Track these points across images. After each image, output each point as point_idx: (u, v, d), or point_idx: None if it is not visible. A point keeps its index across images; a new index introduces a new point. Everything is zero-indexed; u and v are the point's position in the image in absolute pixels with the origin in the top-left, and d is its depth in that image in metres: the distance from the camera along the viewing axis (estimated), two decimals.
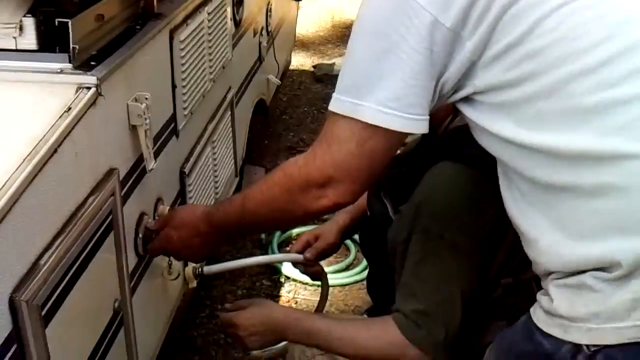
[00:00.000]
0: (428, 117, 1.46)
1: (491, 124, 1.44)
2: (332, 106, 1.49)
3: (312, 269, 2.28)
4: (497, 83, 1.40)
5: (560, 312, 1.40)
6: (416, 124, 1.44)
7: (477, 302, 1.81)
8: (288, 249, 3.68)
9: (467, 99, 1.47)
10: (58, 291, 1.55)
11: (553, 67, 1.33)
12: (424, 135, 1.51)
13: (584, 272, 1.36)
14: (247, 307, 2.01)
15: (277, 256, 2.30)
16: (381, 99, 1.42)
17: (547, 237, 1.41)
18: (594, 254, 1.34)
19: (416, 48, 1.38)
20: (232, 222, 1.80)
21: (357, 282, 3.47)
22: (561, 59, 1.33)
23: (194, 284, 2.25)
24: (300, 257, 2.24)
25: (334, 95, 1.49)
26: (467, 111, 1.49)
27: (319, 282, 2.43)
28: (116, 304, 1.90)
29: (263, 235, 3.75)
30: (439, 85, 1.44)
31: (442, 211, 1.75)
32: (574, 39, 1.32)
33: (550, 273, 1.44)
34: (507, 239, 1.75)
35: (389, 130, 1.44)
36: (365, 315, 2.44)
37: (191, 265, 2.20)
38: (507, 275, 1.80)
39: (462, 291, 1.75)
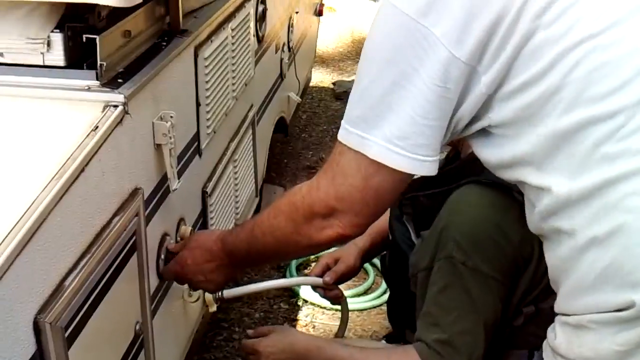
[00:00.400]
0: (438, 158, 1.44)
1: (503, 154, 1.43)
2: (340, 136, 1.47)
3: (332, 292, 2.29)
4: (514, 118, 1.38)
5: (560, 351, 1.40)
6: (424, 166, 1.41)
7: (499, 330, 1.81)
8: (307, 272, 3.68)
9: (481, 132, 1.45)
10: (81, 313, 1.57)
11: (569, 110, 1.32)
12: (448, 157, 1.51)
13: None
14: (269, 334, 2.01)
15: (297, 279, 2.31)
16: (388, 135, 1.39)
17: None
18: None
19: (428, 84, 1.35)
20: (242, 248, 1.81)
21: (375, 307, 3.46)
22: (577, 102, 1.31)
23: (214, 308, 2.27)
24: (319, 280, 2.25)
25: (343, 123, 1.47)
26: (479, 144, 1.47)
27: (337, 307, 2.43)
28: (137, 326, 1.91)
29: None
30: (453, 123, 1.41)
31: (466, 238, 1.77)
32: (591, 83, 1.31)
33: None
34: (530, 267, 1.76)
35: (396, 170, 1.42)
36: (383, 341, 2.45)
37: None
38: (529, 303, 1.81)
39: (485, 320, 1.77)
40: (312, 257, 3.77)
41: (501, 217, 1.77)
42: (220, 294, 2.23)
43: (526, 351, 1.85)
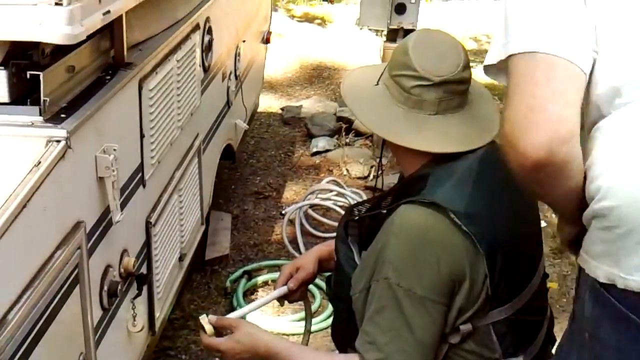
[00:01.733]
0: None
1: None
2: None
3: (296, 294, 2.33)
4: None
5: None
6: None
7: (436, 349, 1.87)
8: (253, 297, 3.72)
9: None
10: (25, 346, 1.60)
11: None
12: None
13: None
14: (233, 331, 2.05)
15: (266, 298, 2.36)
16: None
17: None
18: None
19: None
20: None
21: (321, 329, 3.50)
22: None
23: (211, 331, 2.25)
24: (285, 289, 2.31)
25: None
26: None
27: (287, 331, 2.47)
28: (81, 358, 1.94)
29: (228, 284, 3.79)
30: None
31: (400, 259, 1.81)
32: None
33: None
34: (464, 286, 1.81)
35: None
36: None
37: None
38: (466, 321, 1.85)
39: (421, 340, 1.81)
40: (260, 281, 3.82)
41: (435, 237, 1.81)
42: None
43: None
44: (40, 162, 1.70)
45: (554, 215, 4.62)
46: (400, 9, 5.02)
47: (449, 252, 1.80)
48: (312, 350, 2.01)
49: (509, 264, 1.85)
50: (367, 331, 1.86)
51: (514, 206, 1.93)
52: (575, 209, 1.58)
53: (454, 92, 1.90)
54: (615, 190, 1.45)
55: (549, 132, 1.44)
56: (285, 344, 2.05)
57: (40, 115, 1.82)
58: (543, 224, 4.49)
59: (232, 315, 2.22)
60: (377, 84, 1.98)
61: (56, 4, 1.73)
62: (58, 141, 1.78)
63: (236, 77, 4.04)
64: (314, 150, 5.48)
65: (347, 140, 5.57)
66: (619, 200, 1.44)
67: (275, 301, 2.36)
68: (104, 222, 2.08)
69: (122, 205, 2.18)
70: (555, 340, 2.15)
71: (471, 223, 1.79)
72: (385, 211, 1.99)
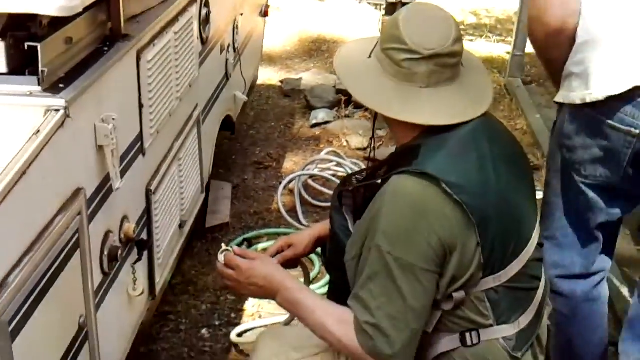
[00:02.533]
0: None
1: None
2: None
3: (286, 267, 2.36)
4: None
5: None
6: None
7: (429, 315, 1.90)
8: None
9: None
10: (25, 308, 1.63)
11: None
12: None
13: None
14: (254, 259, 2.11)
15: None
16: None
17: None
18: None
19: None
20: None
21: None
22: None
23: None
24: None
25: None
26: None
27: None
28: (81, 320, 1.97)
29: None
30: None
31: (392, 228, 1.84)
32: None
33: None
34: (454, 255, 1.83)
35: None
36: None
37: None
38: (459, 289, 1.88)
39: (411, 306, 1.84)
40: (260, 249, 3.85)
41: (427, 207, 1.83)
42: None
43: (457, 334, 1.93)
44: (39, 131, 1.72)
45: None
46: None
47: (440, 222, 1.81)
48: (318, 296, 2.04)
49: (501, 233, 1.87)
50: (359, 296, 1.88)
51: (507, 176, 1.94)
52: None
53: (445, 65, 1.91)
54: (583, 12, 2.23)
55: (562, 8, 2.26)
56: (298, 284, 2.08)
57: (39, 85, 1.83)
58: (541, 194, 4.53)
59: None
60: (370, 57, 1.99)
61: None
62: (57, 110, 1.79)
63: (234, 50, 4.04)
64: (314, 122, 5.48)
65: (347, 112, 5.57)
66: (584, 15, 2.23)
67: None
68: (104, 189, 2.10)
69: (122, 173, 2.20)
70: (549, 307, 2.18)
71: (462, 192, 1.81)
72: (379, 181, 2.01)
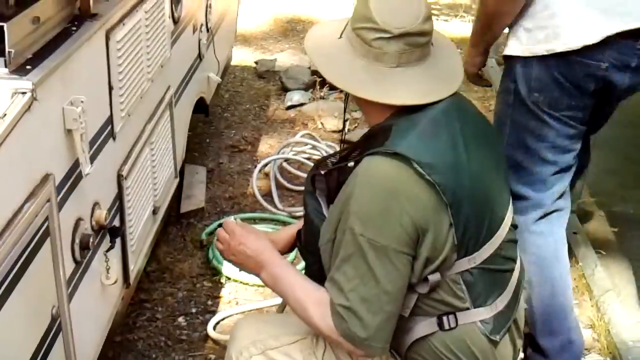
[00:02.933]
0: None
1: None
2: None
3: None
4: None
5: None
6: None
7: (404, 298, 1.88)
8: None
9: None
10: None
11: None
12: None
13: None
14: (253, 232, 2.13)
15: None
16: None
17: None
18: None
19: None
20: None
21: None
22: None
23: None
24: None
25: None
26: None
27: (259, 283, 2.49)
28: (54, 311, 1.92)
29: (203, 236, 3.77)
30: None
31: (364, 209, 1.82)
32: None
33: None
34: (427, 236, 1.82)
35: None
36: None
37: None
38: (434, 271, 1.86)
39: (384, 289, 1.82)
40: None
41: (398, 187, 1.81)
42: None
43: (435, 318, 1.92)
44: (5, 115, 1.66)
45: None
46: None
47: (413, 203, 1.80)
48: (303, 276, 2.04)
49: (474, 213, 1.86)
50: (334, 279, 1.87)
51: (478, 156, 1.93)
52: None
53: (415, 44, 1.90)
54: None
55: None
56: (285, 262, 2.10)
57: (5, 67, 1.78)
58: None
59: None
60: (340, 37, 1.97)
61: None
62: (24, 93, 1.74)
63: (207, 30, 3.98)
64: (289, 104, 5.43)
65: (322, 94, 5.53)
66: None
67: None
68: (74, 175, 2.05)
69: (92, 158, 2.15)
70: (526, 290, 2.18)
71: (435, 172, 1.80)
72: (351, 164, 1.99)
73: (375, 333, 1.84)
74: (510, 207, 2.06)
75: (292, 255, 3.65)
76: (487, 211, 1.92)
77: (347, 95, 2.08)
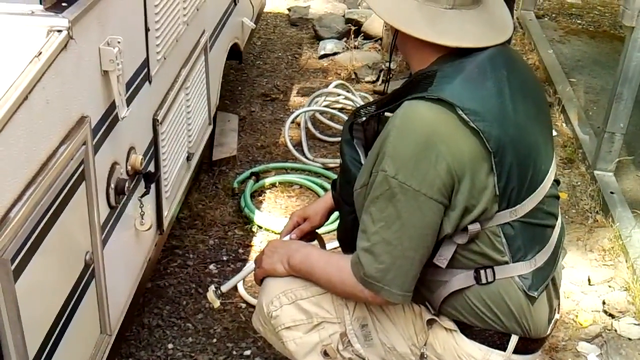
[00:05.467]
0: None
1: None
2: None
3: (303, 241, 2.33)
4: None
5: None
6: None
7: (429, 248, 1.82)
8: (261, 198, 3.67)
9: None
10: (28, 245, 1.53)
11: None
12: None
13: None
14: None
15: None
16: None
17: None
18: None
19: None
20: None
21: (329, 232, 3.45)
22: None
23: (217, 303, 2.29)
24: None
25: None
26: None
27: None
28: (87, 257, 1.87)
29: (235, 185, 3.72)
30: None
31: (399, 152, 1.76)
32: None
33: None
34: (464, 184, 1.76)
35: None
36: None
37: (210, 289, 2.27)
38: (474, 221, 1.80)
39: (409, 234, 1.78)
40: (267, 183, 3.76)
41: (438, 132, 1.76)
42: (219, 290, 2.26)
43: (472, 271, 1.86)
44: (41, 53, 1.59)
45: (565, 125, 4.54)
46: None
47: (451, 148, 1.74)
48: (326, 253, 2.07)
49: (518, 165, 1.80)
50: (362, 219, 1.84)
51: (524, 106, 1.87)
52: None
53: None
54: None
55: None
56: (310, 247, 2.12)
57: (41, 3, 1.70)
58: (554, 133, 4.45)
59: (224, 287, 2.28)
60: None
61: None
62: (59, 31, 1.66)
63: None
64: (322, 52, 5.33)
65: (356, 44, 5.42)
66: None
67: None
68: (110, 118, 1.99)
69: (128, 102, 2.08)
70: (565, 251, 2.11)
71: (480, 119, 1.74)
72: (392, 112, 1.92)
73: (394, 277, 1.80)
74: (554, 162, 1.99)
75: (332, 217, 3.61)
76: (530, 163, 1.85)
77: (394, 37, 1.99)
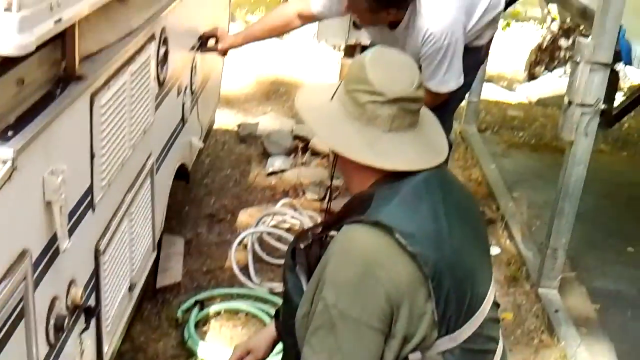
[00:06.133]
0: None
1: None
2: None
3: None
4: None
5: None
6: None
7: None
8: (205, 328, 3.65)
9: None
10: None
11: None
12: None
13: None
14: None
15: None
16: None
17: None
18: None
19: None
20: None
21: None
22: None
23: None
24: None
25: None
26: None
27: None
28: None
29: (179, 314, 3.70)
30: None
31: (339, 279, 1.82)
32: None
33: None
34: (402, 311, 1.80)
35: None
36: None
37: None
38: (414, 350, 1.84)
39: None
40: (212, 312, 3.74)
41: (376, 258, 1.82)
42: None
43: None
44: None
45: (508, 241, 4.66)
46: (358, 25, 5.02)
47: (390, 274, 1.80)
48: None
49: (455, 289, 1.86)
50: (303, 352, 1.87)
51: (460, 229, 1.95)
52: None
53: (407, 110, 1.95)
54: None
55: None
56: None
57: None
58: (497, 250, 4.58)
59: None
60: (332, 99, 2.01)
61: (5, 10, 1.65)
62: (4, 162, 1.69)
63: (192, 92, 3.96)
64: (270, 170, 5.43)
65: (304, 160, 5.54)
66: None
67: None
68: (51, 251, 2.00)
69: (70, 232, 2.10)
70: None
71: (416, 243, 1.81)
72: (333, 232, 1.98)
73: None
74: (493, 285, 2.06)
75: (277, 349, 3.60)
76: (468, 287, 1.92)
77: (334, 160, 2.08)
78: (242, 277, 4.07)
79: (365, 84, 1.93)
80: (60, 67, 2.16)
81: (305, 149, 5.65)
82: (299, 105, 2.11)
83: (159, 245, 3.58)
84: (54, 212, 1.96)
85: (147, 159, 3.05)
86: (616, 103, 4.40)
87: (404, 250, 1.80)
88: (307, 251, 2.11)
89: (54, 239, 2.00)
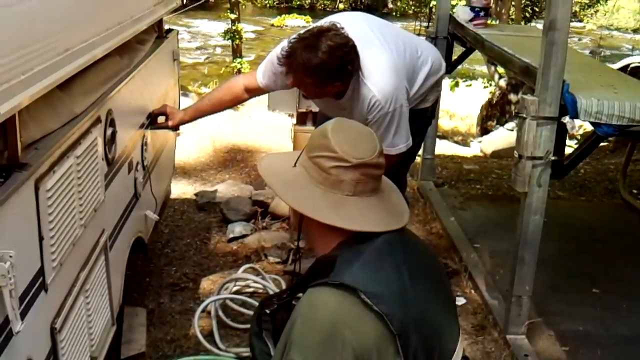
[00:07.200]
0: None
1: None
2: None
3: None
4: None
5: None
6: None
7: None
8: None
9: None
10: None
11: None
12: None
13: None
14: None
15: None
16: None
17: None
18: None
19: None
20: None
21: None
22: None
23: None
24: None
25: None
26: None
27: None
28: None
29: None
30: None
31: (305, 341, 1.84)
32: None
33: None
34: None
35: None
36: None
37: None
38: None
39: None
40: None
41: (342, 318, 1.83)
42: None
43: None
44: None
45: (473, 292, 4.70)
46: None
47: (356, 334, 1.82)
48: None
49: (422, 346, 1.88)
50: None
51: (424, 286, 1.98)
52: None
53: (370, 175, 2.01)
54: None
55: None
56: None
57: None
58: (463, 300, 4.60)
59: None
60: (295, 165, 2.07)
61: None
62: None
63: (144, 167, 4.01)
64: (231, 236, 5.46)
65: (264, 224, 5.57)
66: None
67: None
68: (4, 333, 2.02)
69: (23, 314, 2.13)
70: None
71: (382, 302, 1.83)
72: (300, 294, 2.01)
73: None
74: (461, 339, 2.08)
75: None
76: (436, 343, 1.94)
77: (300, 223, 2.12)
78: (207, 344, 4.07)
79: (329, 150, 1.99)
80: (3, 156, 2.22)
81: (265, 214, 5.70)
82: (264, 171, 2.16)
83: (120, 318, 3.59)
84: (4, 297, 1.99)
85: (99, 236, 3.08)
86: (570, 150, 4.41)
87: (369, 310, 1.82)
88: (274, 316, 2.14)
89: (6, 321, 2.02)
